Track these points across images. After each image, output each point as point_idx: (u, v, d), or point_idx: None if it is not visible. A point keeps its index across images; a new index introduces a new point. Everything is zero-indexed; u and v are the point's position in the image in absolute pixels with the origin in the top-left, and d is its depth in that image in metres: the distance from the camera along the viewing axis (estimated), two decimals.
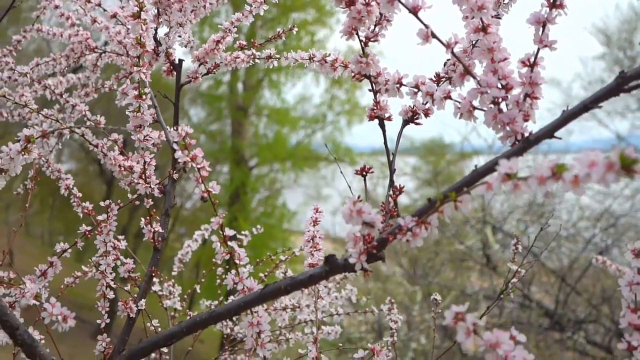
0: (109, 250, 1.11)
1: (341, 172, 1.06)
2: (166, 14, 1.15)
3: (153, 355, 1.37)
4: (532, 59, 0.72)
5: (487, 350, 0.57)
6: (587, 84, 8.84)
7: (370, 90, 0.89)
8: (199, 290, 1.69)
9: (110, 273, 1.10)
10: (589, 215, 7.54)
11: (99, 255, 1.12)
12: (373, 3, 0.76)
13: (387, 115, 0.90)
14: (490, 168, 0.64)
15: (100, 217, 1.09)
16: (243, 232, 1.63)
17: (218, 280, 1.61)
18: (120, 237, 1.19)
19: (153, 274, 1.15)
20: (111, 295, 1.10)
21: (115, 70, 1.63)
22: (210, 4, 1.22)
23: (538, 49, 0.71)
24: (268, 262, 1.70)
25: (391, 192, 0.84)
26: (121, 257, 1.17)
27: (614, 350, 5.69)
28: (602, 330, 6.23)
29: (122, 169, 1.18)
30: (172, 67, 1.23)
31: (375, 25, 0.84)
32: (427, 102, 0.85)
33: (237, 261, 0.82)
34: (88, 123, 1.26)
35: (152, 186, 1.10)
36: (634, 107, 8.58)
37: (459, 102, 0.78)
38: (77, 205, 1.25)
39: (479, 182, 0.61)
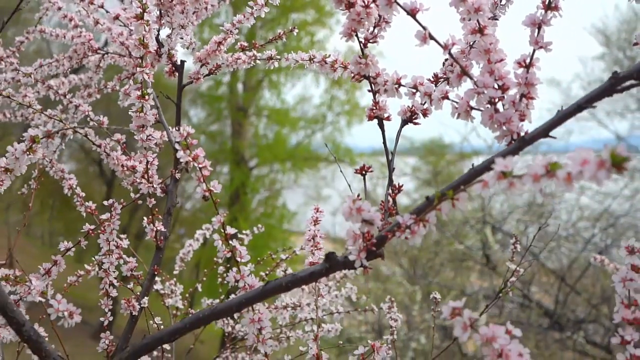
0: (112, 249, 1.12)
1: (341, 171, 1.07)
2: (168, 16, 1.17)
3: (155, 353, 1.39)
4: (527, 60, 0.73)
5: (483, 344, 0.58)
6: (586, 84, 8.86)
7: (369, 91, 0.91)
8: (200, 289, 1.71)
9: (114, 272, 1.12)
10: (588, 216, 7.56)
11: (102, 254, 1.14)
12: (372, 5, 0.78)
13: (386, 115, 0.91)
14: (486, 167, 0.65)
15: (103, 216, 1.10)
16: (244, 232, 1.64)
17: (219, 279, 1.62)
18: (122, 236, 1.21)
19: (155, 273, 1.17)
20: (114, 293, 1.12)
21: (117, 71, 1.65)
22: (211, 5, 1.24)
23: (534, 50, 0.73)
24: (268, 261, 1.71)
25: (390, 191, 0.86)
26: (124, 256, 1.18)
27: (613, 350, 5.71)
28: (602, 330, 6.24)
29: (125, 168, 1.20)
30: (174, 68, 1.25)
31: (374, 27, 0.86)
32: (425, 102, 0.87)
33: (239, 259, 0.83)
34: (91, 123, 1.27)
35: (155, 186, 1.11)
36: (634, 107, 8.60)
37: (457, 102, 0.79)
38: (80, 204, 1.26)
39: (475, 180, 0.62)
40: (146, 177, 1.11)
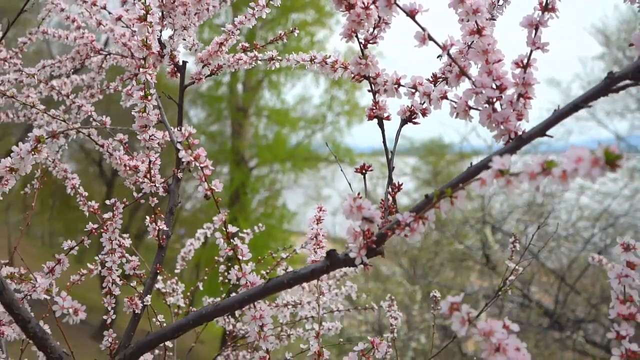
0: (114, 248, 1.13)
1: (341, 170, 1.08)
2: (170, 17, 1.18)
3: (157, 351, 1.40)
4: (525, 61, 0.74)
5: (481, 339, 0.59)
6: (586, 84, 8.87)
7: (369, 91, 0.92)
8: (201, 288, 1.72)
9: (116, 270, 1.13)
10: (588, 215, 7.58)
11: (105, 253, 1.15)
12: (372, 7, 0.79)
13: (386, 115, 0.92)
14: (484, 165, 0.66)
15: (106, 215, 1.11)
16: (245, 231, 1.65)
17: (220, 278, 1.63)
18: (124, 235, 1.22)
19: (158, 271, 1.18)
20: (117, 291, 1.13)
21: (119, 72, 1.66)
22: (213, 6, 1.25)
23: (531, 51, 0.74)
24: (269, 260, 1.72)
25: (390, 190, 0.87)
26: (126, 255, 1.19)
27: (613, 350, 5.70)
28: (602, 329, 6.25)
29: (127, 168, 1.21)
30: (176, 69, 1.26)
31: (374, 28, 0.87)
32: (424, 102, 0.88)
33: (240, 257, 0.85)
34: (94, 124, 1.29)
35: (157, 185, 1.12)
36: (633, 107, 8.60)
37: (455, 102, 0.80)
38: (83, 204, 1.28)
39: (474, 178, 0.63)
40: (149, 176, 1.12)
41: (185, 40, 1.20)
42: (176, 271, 1.71)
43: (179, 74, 1.27)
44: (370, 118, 0.92)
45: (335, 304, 1.60)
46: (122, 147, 1.25)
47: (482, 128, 0.79)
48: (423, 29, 0.76)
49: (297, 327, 1.57)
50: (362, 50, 0.87)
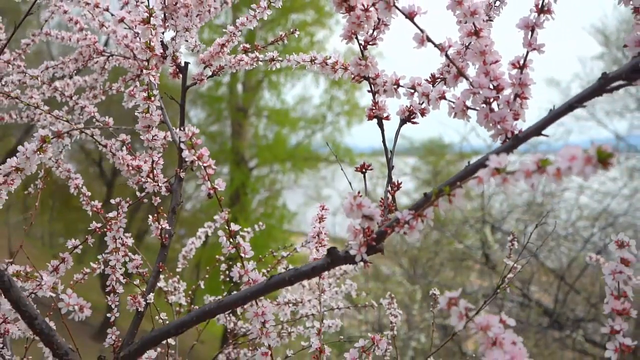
0: (118, 247, 1.15)
1: (342, 169, 1.10)
2: (172, 19, 1.20)
3: (159, 350, 1.41)
4: (521, 62, 0.76)
5: (478, 334, 0.61)
6: (585, 84, 8.84)
7: (369, 91, 0.94)
8: (202, 286, 1.74)
9: (120, 269, 1.14)
10: (587, 215, 7.59)
11: (109, 252, 1.16)
12: (371, 9, 0.81)
13: (385, 115, 0.94)
14: (481, 164, 0.68)
15: (110, 215, 1.13)
16: (245, 230, 1.67)
17: (221, 277, 1.65)
18: (127, 234, 1.23)
19: (160, 270, 1.20)
20: (121, 290, 1.15)
21: (120, 73, 1.68)
22: (214, 8, 1.27)
23: (527, 52, 0.76)
24: (269, 258, 1.74)
25: (389, 188, 0.88)
26: (129, 254, 1.21)
27: None
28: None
29: (130, 168, 1.22)
30: (178, 70, 1.27)
31: (373, 30, 0.89)
32: (423, 102, 0.90)
33: (243, 255, 0.86)
34: (97, 124, 1.30)
35: (160, 184, 1.14)
36: (633, 107, 8.61)
37: (453, 102, 0.82)
38: (86, 203, 1.29)
39: (471, 176, 0.65)
40: (151, 176, 1.14)
41: (187, 41, 1.21)
42: (177, 270, 1.73)
43: (180, 75, 1.29)
44: (370, 118, 0.93)
45: (335, 302, 1.61)
46: (125, 147, 1.26)
47: (482, 128, 0.80)
48: (422, 30, 0.77)
49: (297, 324, 1.59)
50: (362, 52, 0.88)
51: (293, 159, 11.02)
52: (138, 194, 1.21)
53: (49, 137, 0.85)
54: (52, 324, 0.95)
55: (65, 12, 1.46)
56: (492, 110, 0.76)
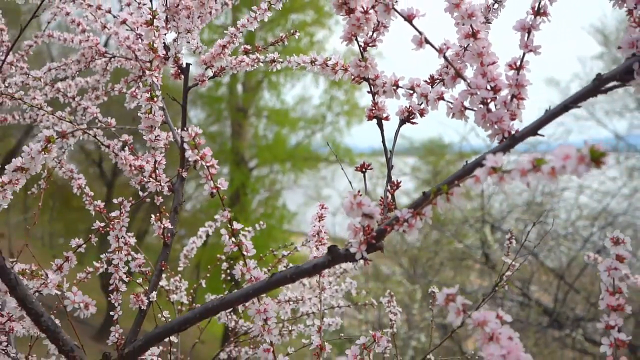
0: (121, 246, 1.16)
1: (342, 169, 1.11)
2: (174, 21, 1.21)
3: (161, 348, 1.43)
4: (518, 63, 0.78)
5: (475, 329, 0.62)
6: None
7: (369, 92, 0.95)
8: (204, 285, 1.75)
9: (123, 267, 1.16)
10: (587, 214, 7.60)
11: (111, 251, 1.18)
12: (371, 11, 0.82)
13: (385, 115, 0.95)
14: (478, 163, 0.69)
15: (113, 214, 1.14)
16: (246, 229, 1.68)
17: (222, 275, 1.66)
18: (129, 233, 1.25)
19: (163, 268, 1.21)
20: (124, 288, 1.16)
21: (122, 74, 1.69)
22: (215, 10, 1.28)
23: (524, 54, 0.77)
24: (270, 258, 1.76)
25: (389, 187, 0.90)
26: (132, 253, 1.22)
27: None
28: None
29: (133, 168, 1.24)
30: (179, 71, 1.29)
31: (373, 32, 0.90)
32: (422, 103, 0.91)
33: (245, 253, 0.88)
34: (99, 125, 1.32)
35: (162, 184, 1.15)
36: (632, 106, 8.63)
37: (451, 103, 0.84)
38: (89, 203, 1.31)
39: (468, 175, 0.66)
40: (154, 176, 1.15)
41: (189, 43, 1.23)
42: (179, 269, 1.75)
43: (182, 76, 1.30)
44: (370, 118, 0.95)
45: (335, 300, 1.63)
46: (127, 147, 1.28)
47: (481, 128, 0.82)
48: (420, 32, 0.79)
49: (298, 323, 1.60)
50: (361, 53, 0.90)
51: (293, 159, 11.03)
52: (141, 193, 1.22)
53: (53, 138, 0.87)
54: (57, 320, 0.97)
55: (67, 13, 1.48)
56: (489, 110, 0.78)
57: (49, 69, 1.52)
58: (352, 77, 0.94)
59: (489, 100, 0.78)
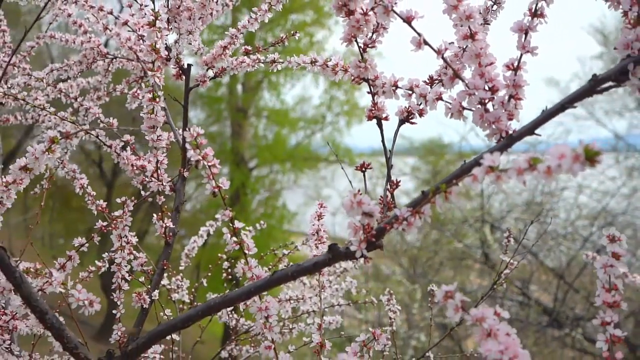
0: (123, 245, 1.17)
1: (342, 168, 1.13)
2: (176, 22, 1.22)
3: (163, 346, 1.44)
4: (515, 64, 0.79)
5: (473, 325, 0.63)
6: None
7: (368, 93, 0.96)
8: (205, 284, 1.77)
9: (125, 266, 1.17)
10: (586, 214, 7.62)
11: (114, 250, 1.19)
12: (370, 13, 0.83)
13: (384, 115, 0.97)
14: (476, 162, 0.71)
15: (116, 213, 1.15)
16: (247, 228, 1.70)
17: (224, 274, 1.67)
18: (131, 233, 1.26)
19: (164, 267, 1.22)
20: (126, 287, 1.17)
21: (122, 74, 1.71)
22: (216, 11, 1.29)
23: (521, 55, 0.78)
24: (270, 257, 1.77)
25: (388, 187, 0.91)
26: (134, 252, 1.24)
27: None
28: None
29: (135, 168, 1.25)
30: (181, 72, 1.30)
31: (372, 33, 0.92)
32: (421, 103, 0.92)
33: (247, 251, 0.89)
34: (101, 125, 1.33)
35: (164, 184, 1.17)
36: (632, 106, 8.64)
37: (450, 103, 0.85)
38: (91, 203, 1.32)
39: (466, 174, 0.68)
40: (156, 175, 1.17)
41: (190, 44, 1.24)
42: (180, 268, 1.76)
43: (183, 77, 1.31)
44: (370, 118, 0.96)
45: (336, 298, 1.64)
46: (129, 147, 1.29)
47: (479, 128, 0.83)
48: (419, 34, 0.80)
49: (299, 321, 1.61)
50: (361, 54, 0.91)
51: (293, 159, 11.04)
52: (143, 193, 1.24)
53: (57, 138, 0.88)
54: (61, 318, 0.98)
55: (69, 15, 1.49)
56: (487, 110, 0.79)
57: (51, 70, 1.54)
58: (352, 77, 0.95)
59: (486, 101, 0.79)
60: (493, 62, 0.80)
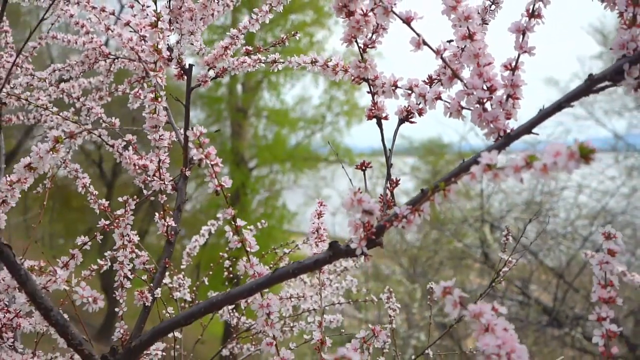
0: (125, 244, 1.19)
1: (343, 167, 1.14)
2: (177, 22, 1.23)
3: (165, 344, 1.45)
4: (513, 64, 0.80)
5: (471, 320, 0.64)
6: None
7: (368, 92, 0.98)
8: (207, 283, 1.78)
9: (128, 265, 1.18)
10: (586, 214, 7.63)
11: (116, 248, 1.20)
12: (370, 14, 0.84)
13: (384, 114, 0.98)
14: (474, 160, 0.72)
15: (118, 212, 1.17)
16: (248, 227, 1.71)
17: (225, 273, 1.69)
18: (133, 232, 1.27)
19: (167, 266, 1.23)
20: (128, 285, 1.18)
21: (124, 75, 1.72)
22: (217, 12, 1.30)
23: (518, 55, 0.80)
24: (270, 256, 1.78)
25: (388, 185, 0.92)
26: (136, 251, 1.25)
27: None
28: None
29: (137, 167, 1.26)
30: (182, 72, 1.31)
31: (372, 33, 0.93)
32: (420, 103, 0.94)
33: (248, 249, 0.90)
34: (103, 125, 1.34)
35: (166, 183, 1.18)
36: (631, 106, 8.64)
37: (449, 103, 0.86)
38: (93, 202, 1.33)
39: (465, 172, 0.69)
40: (158, 174, 1.18)
41: (192, 44, 1.25)
42: (182, 267, 1.77)
43: (185, 77, 1.32)
44: (370, 118, 0.97)
45: (336, 297, 1.65)
46: (131, 147, 1.30)
47: (478, 127, 0.84)
48: (418, 34, 0.81)
49: (299, 320, 1.62)
50: (361, 54, 0.92)
51: (293, 159, 11.05)
52: (145, 192, 1.25)
53: (61, 137, 0.89)
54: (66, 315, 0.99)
55: (71, 15, 1.50)
56: (485, 110, 0.80)
57: (53, 70, 1.55)
58: (352, 77, 0.96)
59: (485, 100, 0.80)
60: (491, 62, 0.81)
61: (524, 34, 0.79)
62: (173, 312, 1.33)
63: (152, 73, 1.03)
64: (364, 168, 0.99)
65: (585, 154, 0.52)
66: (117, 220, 1.17)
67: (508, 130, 0.78)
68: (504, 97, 0.80)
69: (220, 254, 1.72)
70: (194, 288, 1.73)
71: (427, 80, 0.94)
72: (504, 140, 0.76)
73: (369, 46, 0.93)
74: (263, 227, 1.86)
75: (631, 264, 7.04)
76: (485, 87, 0.81)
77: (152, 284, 1.20)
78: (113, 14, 1.38)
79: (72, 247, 1.16)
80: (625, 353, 6.00)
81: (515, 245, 1.47)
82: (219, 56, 1.29)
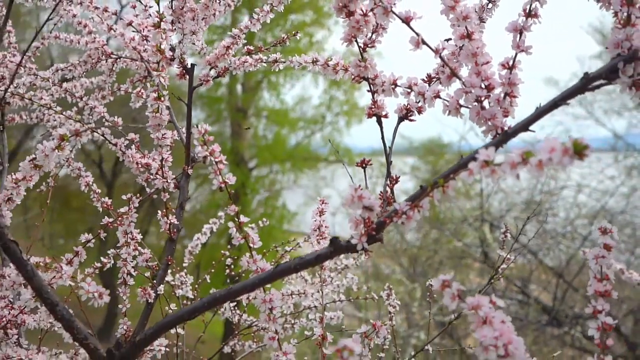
0: (129, 241, 1.20)
1: (344, 164, 1.15)
2: (179, 22, 1.25)
3: (167, 342, 1.47)
4: (510, 62, 0.82)
5: (470, 313, 0.66)
6: None
7: (368, 91, 0.99)
8: (209, 280, 1.79)
9: (131, 262, 1.20)
10: (586, 213, 7.64)
11: (120, 246, 1.22)
12: (370, 13, 0.86)
13: (384, 113, 0.99)
14: (472, 157, 0.73)
15: (122, 210, 1.18)
16: (250, 225, 1.72)
17: (227, 271, 1.70)
18: (135, 230, 1.29)
19: (169, 263, 1.25)
20: (131, 282, 1.20)
21: (126, 74, 1.73)
22: (218, 12, 1.32)
23: (516, 54, 0.81)
24: (272, 254, 1.80)
25: (388, 182, 0.94)
26: (139, 248, 1.27)
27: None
28: None
29: (139, 165, 1.28)
30: (184, 72, 1.33)
31: (372, 33, 0.94)
32: (419, 101, 0.95)
33: (251, 245, 0.92)
34: (106, 124, 1.35)
35: (169, 181, 1.19)
36: (631, 105, 8.65)
37: (447, 101, 0.88)
38: (96, 200, 1.35)
39: (463, 169, 0.70)
40: (160, 173, 1.19)
41: (194, 44, 1.27)
42: (184, 265, 1.79)
43: (187, 76, 1.34)
44: (370, 116, 0.99)
45: (337, 294, 1.66)
46: (134, 145, 1.32)
47: (476, 124, 0.85)
48: (417, 34, 0.83)
49: (300, 317, 1.64)
50: (361, 54, 0.94)
51: (293, 159, 11.06)
52: (148, 190, 1.26)
53: (67, 136, 0.91)
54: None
55: (74, 15, 1.51)
56: (483, 108, 0.82)
57: (56, 70, 1.56)
58: (352, 76, 0.98)
59: (482, 98, 0.82)
60: (489, 61, 0.83)
61: (520, 33, 0.81)
62: (175, 309, 1.35)
63: (154, 73, 1.05)
64: (364, 165, 1.00)
65: (579, 150, 0.54)
66: (120, 218, 1.19)
67: (505, 128, 0.79)
68: (502, 95, 0.81)
69: (222, 252, 1.73)
70: (196, 286, 1.75)
71: (426, 79, 0.96)
72: (501, 138, 0.77)
73: (369, 46, 0.94)
74: (264, 226, 1.88)
75: (630, 263, 7.06)
76: (483, 86, 0.82)
77: (154, 281, 1.21)
78: (115, 14, 1.40)
79: (72, 247, 1.17)
80: (624, 352, 6.01)
81: (513, 243, 1.49)
82: (220, 56, 1.30)
